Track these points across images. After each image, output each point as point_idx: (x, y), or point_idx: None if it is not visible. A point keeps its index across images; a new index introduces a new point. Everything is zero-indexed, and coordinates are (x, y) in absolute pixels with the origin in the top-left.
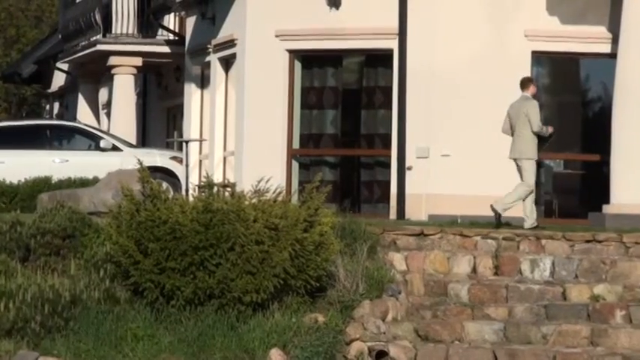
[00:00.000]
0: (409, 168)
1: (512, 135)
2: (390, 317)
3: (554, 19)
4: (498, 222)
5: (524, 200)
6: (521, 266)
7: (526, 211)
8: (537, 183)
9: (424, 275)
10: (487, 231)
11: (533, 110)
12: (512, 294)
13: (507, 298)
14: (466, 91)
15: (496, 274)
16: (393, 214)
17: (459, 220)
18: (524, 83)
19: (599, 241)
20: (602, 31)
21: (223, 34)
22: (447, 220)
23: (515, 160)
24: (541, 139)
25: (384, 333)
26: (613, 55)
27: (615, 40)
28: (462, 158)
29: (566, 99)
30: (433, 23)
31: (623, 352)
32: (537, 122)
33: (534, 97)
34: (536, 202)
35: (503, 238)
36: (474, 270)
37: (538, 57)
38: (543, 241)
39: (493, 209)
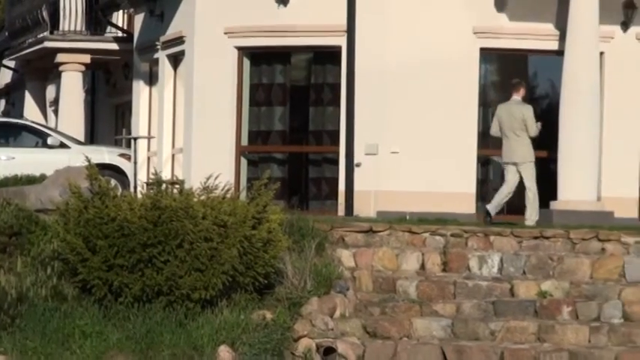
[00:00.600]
0: (358, 165)
1: (502, 137)
2: (338, 314)
3: (502, 16)
4: (490, 221)
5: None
6: (470, 263)
7: (529, 209)
8: (486, 179)
9: (372, 272)
10: (435, 228)
11: (531, 115)
12: (460, 290)
13: (455, 295)
14: (415, 88)
15: (444, 270)
16: (341, 210)
17: (407, 217)
18: (516, 86)
19: (547, 238)
20: (549, 28)
21: (172, 31)
22: (395, 217)
23: (511, 163)
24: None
25: (332, 329)
26: (561, 52)
27: (563, 37)
28: (410, 155)
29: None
30: (382, 20)
31: (570, 348)
32: (534, 127)
33: (524, 99)
34: (484, 200)
35: (452, 235)
36: (423, 266)
37: (486, 54)
38: (491, 238)
39: (487, 212)
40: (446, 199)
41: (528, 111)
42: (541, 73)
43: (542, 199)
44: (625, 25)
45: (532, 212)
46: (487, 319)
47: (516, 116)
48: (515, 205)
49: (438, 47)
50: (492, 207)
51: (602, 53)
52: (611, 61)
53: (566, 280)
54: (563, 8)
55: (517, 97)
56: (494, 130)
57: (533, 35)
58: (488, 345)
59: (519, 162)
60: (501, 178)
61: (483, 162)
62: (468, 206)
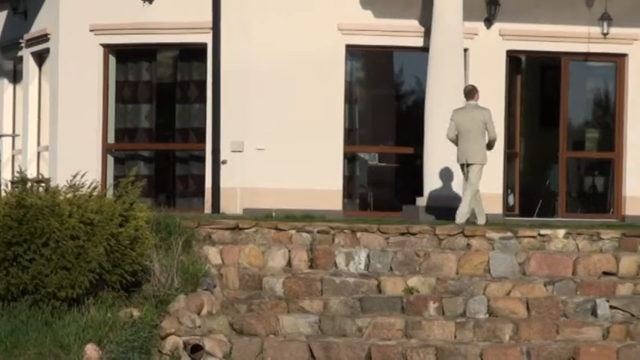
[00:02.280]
0: (224, 162)
1: (458, 140)
2: (205, 311)
3: (367, 12)
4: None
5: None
6: (337, 259)
7: (477, 210)
8: (352, 176)
9: (239, 269)
10: (302, 224)
11: (491, 118)
12: (327, 287)
13: (322, 291)
14: (281, 84)
15: (311, 267)
16: (208, 208)
17: (274, 214)
18: (472, 92)
19: (413, 234)
20: (414, 24)
21: (36, 29)
22: (262, 214)
23: (466, 164)
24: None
25: (199, 327)
26: (426, 49)
27: (427, 34)
28: (277, 152)
29: (380, 92)
30: (247, 17)
31: (436, 344)
32: (495, 130)
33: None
34: (351, 196)
35: (318, 232)
36: (289, 263)
37: (352, 51)
38: (358, 234)
39: (458, 225)
40: (312, 196)
41: (490, 115)
42: (406, 70)
43: (410, 195)
44: (489, 22)
45: (480, 211)
46: (354, 316)
47: (477, 119)
48: (380, 201)
49: (303, 44)
50: (461, 219)
51: (466, 50)
52: (475, 57)
53: (433, 276)
54: (427, 5)
55: (474, 102)
56: (451, 135)
57: (398, 32)
58: (356, 341)
59: (474, 163)
60: (368, 175)
61: (349, 159)
62: (334, 203)
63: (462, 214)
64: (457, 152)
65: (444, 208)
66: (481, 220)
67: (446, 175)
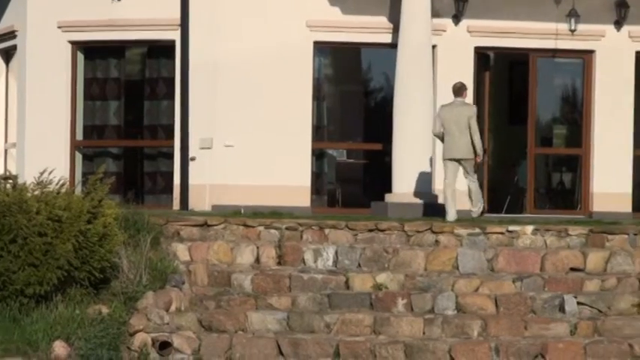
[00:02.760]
0: (192, 159)
1: (445, 136)
2: (173, 308)
3: (335, 9)
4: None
5: (445, 195)
6: (305, 256)
7: (474, 201)
8: (320, 173)
9: (208, 266)
10: (270, 221)
11: (475, 116)
12: (295, 283)
13: (291, 288)
14: (250, 81)
15: (280, 263)
16: (176, 204)
17: (242, 211)
18: (461, 90)
19: (382, 230)
20: (383, 21)
21: (3, 26)
22: (230, 211)
23: (454, 160)
24: None
25: (168, 324)
26: (394, 45)
27: (396, 30)
28: (245, 149)
29: (349, 89)
30: (215, 13)
31: (405, 340)
32: (477, 129)
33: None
34: (319, 193)
35: (287, 228)
36: (258, 260)
37: (320, 47)
38: (327, 231)
39: (476, 215)
40: (281, 193)
41: (475, 112)
42: (375, 66)
43: (379, 191)
44: (457, 18)
45: (477, 202)
46: (322, 312)
47: (464, 115)
48: (349, 198)
49: (271, 41)
50: (476, 214)
51: (434, 46)
52: (444, 53)
53: (401, 273)
54: (396, 2)
55: (461, 99)
56: (437, 131)
57: (366, 28)
58: (324, 337)
59: (463, 158)
60: (336, 172)
61: (318, 155)
62: (302, 199)
63: (477, 209)
64: (443, 148)
65: (413, 204)
66: (476, 213)
67: (415, 171)
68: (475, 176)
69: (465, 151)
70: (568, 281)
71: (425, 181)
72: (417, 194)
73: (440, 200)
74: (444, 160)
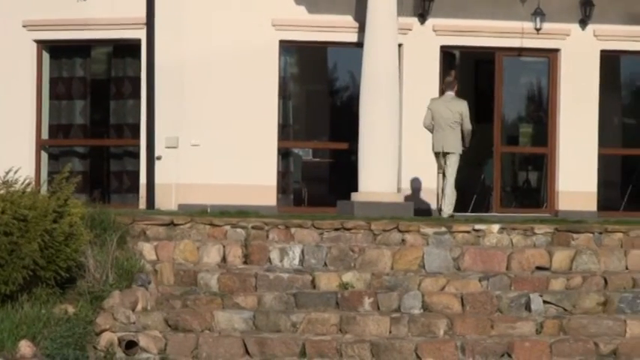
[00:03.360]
0: (158, 158)
1: (434, 129)
2: (140, 307)
3: (301, 8)
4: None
5: (443, 191)
6: (271, 255)
7: (446, 200)
8: (286, 172)
9: (174, 265)
10: (236, 220)
11: (467, 111)
12: (261, 283)
13: (257, 287)
14: (216, 80)
15: (246, 262)
16: (143, 204)
17: (208, 210)
18: (452, 84)
19: (348, 229)
20: (349, 20)
21: None
22: (197, 210)
23: (442, 153)
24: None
25: (134, 323)
26: (360, 44)
27: (362, 29)
28: (212, 148)
29: (315, 88)
30: (181, 12)
31: (371, 339)
32: (469, 123)
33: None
34: (285, 192)
35: (253, 227)
36: (224, 259)
37: (286, 46)
38: (293, 230)
39: (446, 215)
40: (247, 192)
41: (466, 106)
42: (341, 65)
43: (345, 190)
44: (422, 17)
45: (448, 203)
46: (288, 311)
47: (454, 110)
48: (315, 197)
49: (237, 40)
50: (448, 210)
51: (400, 45)
52: (410, 52)
53: (368, 272)
54: (361, 0)
55: (452, 92)
56: (427, 124)
57: (332, 27)
58: (290, 337)
59: (451, 152)
60: (302, 171)
61: (284, 154)
62: (269, 198)
63: (447, 208)
64: (432, 141)
65: (379, 203)
66: (446, 213)
67: (381, 170)
68: (454, 175)
69: (453, 146)
70: (534, 280)
71: (391, 179)
72: (383, 193)
73: (400, 200)
74: (435, 153)
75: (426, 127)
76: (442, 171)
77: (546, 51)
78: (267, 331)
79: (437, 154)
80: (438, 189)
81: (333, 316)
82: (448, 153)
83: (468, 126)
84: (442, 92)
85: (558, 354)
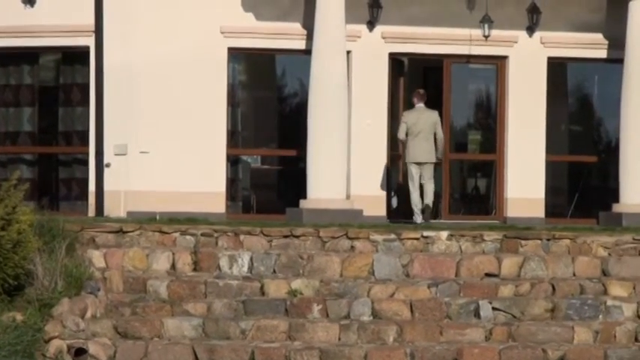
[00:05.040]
0: (107, 165)
1: (408, 140)
2: (89, 314)
3: (249, 15)
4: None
5: (412, 197)
6: (220, 262)
7: (429, 202)
8: (235, 179)
9: (123, 272)
10: (186, 227)
11: (439, 120)
12: (211, 290)
13: (206, 294)
14: (165, 87)
15: (195, 270)
16: (92, 211)
17: (157, 217)
18: (424, 96)
19: (297, 236)
20: (297, 27)
21: None
22: (146, 217)
23: (416, 163)
24: None
25: (84, 330)
26: (308, 52)
27: (310, 36)
28: (161, 155)
29: (263, 95)
30: (129, 20)
31: (320, 346)
32: (442, 132)
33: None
34: (234, 199)
35: (202, 234)
36: (174, 266)
37: (234, 53)
38: (242, 237)
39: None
40: (196, 199)
41: (438, 116)
42: (289, 72)
43: (293, 197)
44: (371, 24)
45: (430, 198)
46: (238, 318)
47: (429, 121)
48: (263, 204)
49: (185, 47)
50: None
51: (349, 52)
52: (358, 59)
53: (317, 279)
54: (310, 8)
55: (422, 104)
56: (402, 135)
57: (280, 35)
58: (240, 344)
59: (426, 161)
60: (251, 178)
61: (232, 161)
62: (218, 205)
63: (421, 217)
64: (407, 151)
65: (328, 210)
66: (418, 219)
67: (330, 177)
68: (432, 180)
69: (428, 156)
70: (483, 287)
71: (340, 186)
72: (332, 200)
73: (352, 206)
74: (408, 163)
75: (400, 139)
76: (415, 180)
77: (494, 58)
78: (216, 338)
79: (412, 164)
80: (413, 197)
81: (282, 323)
82: (424, 163)
83: (441, 135)
84: (412, 104)
85: None
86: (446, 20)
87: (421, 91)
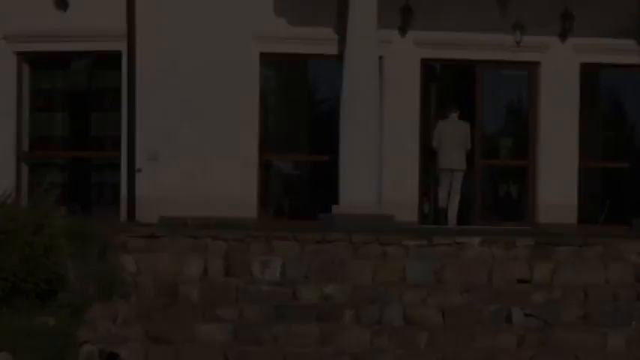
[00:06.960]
0: (139, 170)
1: (442, 148)
2: (120, 319)
3: (281, 20)
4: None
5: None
6: (252, 267)
7: (454, 213)
8: (268, 184)
9: (155, 277)
10: (217, 232)
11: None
12: (242, 295)
13: (238, 300)
14: (197, 93)
15: (227, 275)
16: (123, 216)
17: (189, 222)
18: (457, 108)
19: (329, 242)
20: (329, 32)
21: None
22: (177, 222)
23: (449, 170)
24: None
25: (115, 335)
26: (340, 57)
27: (342, 41)
28: (192, 160)
29: (295, 100)
30: (162, 25)
31: (352, 352)
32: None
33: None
34: (266, 204)
35: (234, 240)
36: (205, 271)
37: (266, 58)
38: (274, 242)
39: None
40: (228, 204)
41: (469, 128)
42: (321, 77)
43: (326, 203)
44: (403, 30)
45: (454, 214)
46: (269, 324)
47: (461, 131)
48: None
49: (217, 52)
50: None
51: (381, 57)
52: (390, 65)
53: (349, 284)
54: (342, 13)
55: (456, 115)
56: (436, 143)
57: (312, 40)
58: (271, 349)
59: (459, 169)
60: (283, 183)
61: (265, 166)
62: (250, 210)
63: (453, 216)
64: (440, 158)
65: (360, 216)
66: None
67: (362, 182)
68: (460, 189)
69: (460, 163)
70: (515, 293)
71: (372, 192)
72: (364, 205)
73: (384, 212)
74: (441, 170)
75: (435, 148)
76: (446, 186)
77: (526, 64)
78: (248, 343)
79: (444, 171)
80: (442, 202)
81: (314, 328)
82: (456, 170)
83: (469, 146)
84: (446, 114)
85: None
86: (478, 26)
87: (454, 104)
